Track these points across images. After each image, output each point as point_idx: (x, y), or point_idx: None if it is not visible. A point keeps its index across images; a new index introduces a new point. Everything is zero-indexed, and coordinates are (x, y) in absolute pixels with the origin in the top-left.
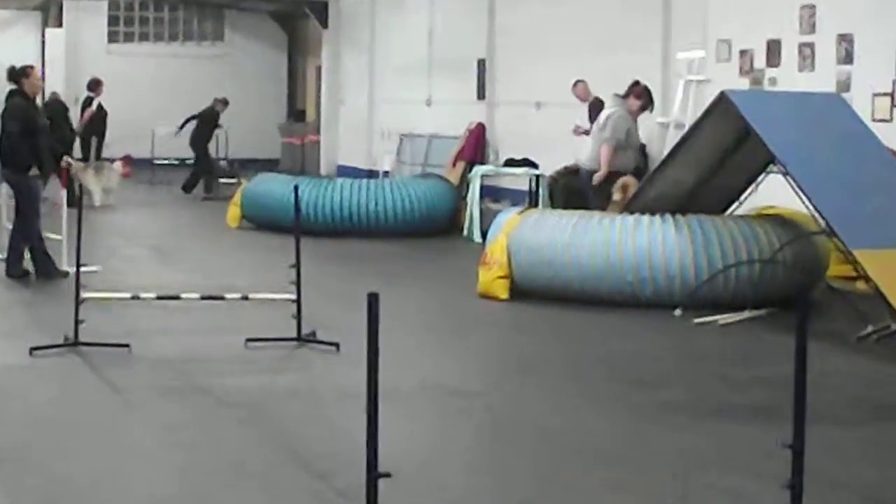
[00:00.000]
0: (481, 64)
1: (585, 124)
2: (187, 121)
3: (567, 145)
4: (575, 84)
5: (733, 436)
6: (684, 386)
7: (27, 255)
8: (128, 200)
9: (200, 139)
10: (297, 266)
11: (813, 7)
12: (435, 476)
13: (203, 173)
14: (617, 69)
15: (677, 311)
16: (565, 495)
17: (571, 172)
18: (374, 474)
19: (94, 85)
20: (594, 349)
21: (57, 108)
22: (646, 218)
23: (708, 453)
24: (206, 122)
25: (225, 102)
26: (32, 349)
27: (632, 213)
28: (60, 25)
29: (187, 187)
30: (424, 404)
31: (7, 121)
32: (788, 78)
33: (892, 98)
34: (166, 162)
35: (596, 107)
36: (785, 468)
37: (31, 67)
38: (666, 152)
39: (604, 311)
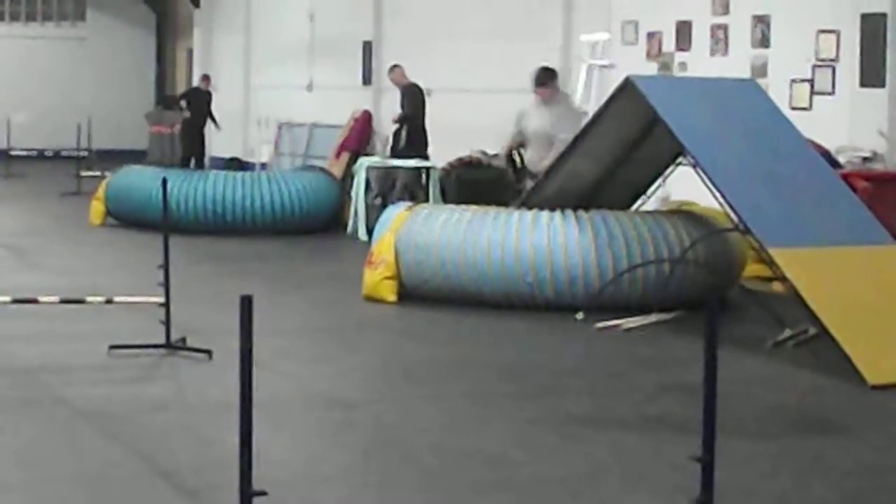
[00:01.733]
0: (367, 46)
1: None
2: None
3: (462, 135)
4: (391, 68)
5: (638, 448)
6: (586, 395)
7: None
8: None
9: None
10: (166, 267)
11: None
12: (314, 494)
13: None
14: (515, 51)
15: (579, 315)
16: None
17: (466, 164)
18: (248, 492)
19: None
20: (489, 355)
21: None
22: (545, 214)
23: (611, 466)
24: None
25: (206, 78)
26: None
27: (530, 208)
28: None
29: None
30: (303, 416)
31: None
32: (700, 62)
33: (812, 85)
34: (23, 153)
35: (411, 92)
36: (694, 483)
37: None
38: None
39: (500, 314)
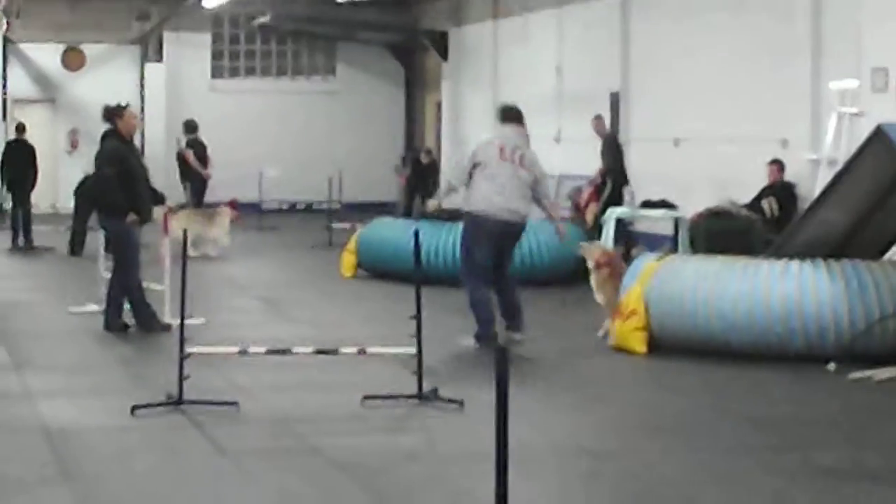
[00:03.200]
0: (614, 97)
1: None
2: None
3: (709, 185)
4: (595, 118)
5: (893, 502)
6: (839, 448)
7: (127, 308)
8: (235, 248)
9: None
10: (418, 317)
11: None
12: None
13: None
14: (763, 101)
15: (830, 366)
16: None
17: (715, 214)
18: None
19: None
20: (739, 407)
21: None
22: (795, 264)
23: None
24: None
25: (428, 152)
26: (134, 408)
27: (780, 258)
28: (160, 60)
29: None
30: (553, 466)
31: (101, 164)
32: None
33: None
34: (276, 206)
35: (610, 144)
36: None
37: (125, 107)
38: (817, 192)
39: (750, 365)
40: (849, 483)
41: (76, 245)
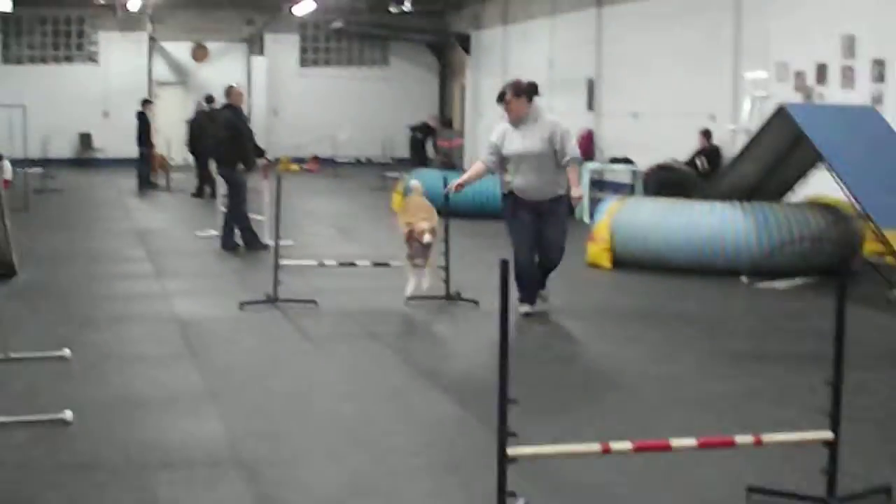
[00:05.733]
0: (590, 82)
1: None
2: None
3: (657, 147)
4: (703, 131)
5: (785, 375)
6: (748, 337)
7: (237, 233)
8: (316, 190)
9: None
10: (446, 242)
11: (852, 37)
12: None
13: None
14: (698, 85)
15: (744, 278)
16: (652, 420)
17: (662, 168)
18: (504, 401)
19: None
20: (677, 306)
21: None
22: (719, 204)
23: (764, 388)
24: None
25: (433, 118)
26: (241, 304)
27: (708, 200)
28: (262, 54)
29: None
30: (528, 353)
31: (219, 128)
32: (833, 93)
33: None
34: (346, 160)
35: (708, 151)
36: (826, 401)
37: (232, 86)
38: (736, 153)
39: (686, 277)
40: (754, 361)
41: (202, 188)
